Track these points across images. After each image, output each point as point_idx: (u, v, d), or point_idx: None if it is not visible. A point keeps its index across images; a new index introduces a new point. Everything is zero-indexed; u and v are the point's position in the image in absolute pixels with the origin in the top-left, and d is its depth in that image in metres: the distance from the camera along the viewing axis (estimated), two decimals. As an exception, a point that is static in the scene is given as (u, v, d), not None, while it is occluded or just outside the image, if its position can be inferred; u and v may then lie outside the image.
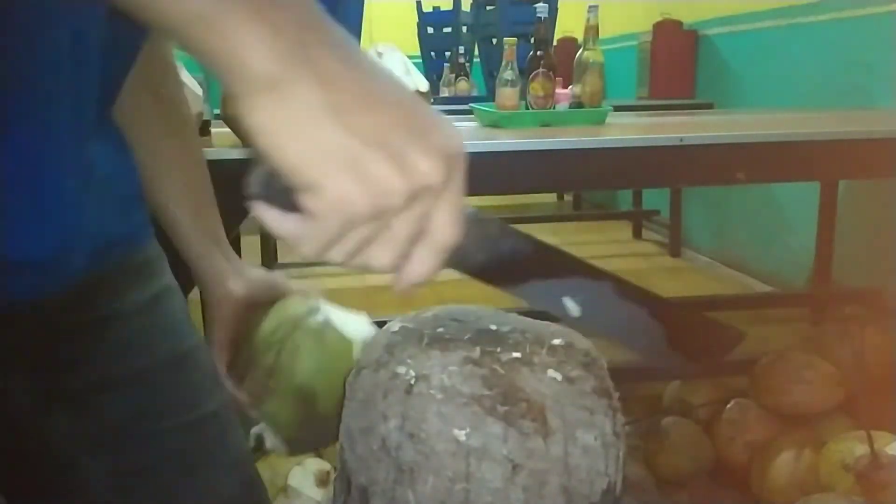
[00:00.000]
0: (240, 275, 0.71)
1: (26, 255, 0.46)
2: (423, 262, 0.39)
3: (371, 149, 0.34)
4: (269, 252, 3.19)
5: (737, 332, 0.49)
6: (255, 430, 0.89)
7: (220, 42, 0.32)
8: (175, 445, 0.64)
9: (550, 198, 5.05)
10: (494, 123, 1.64)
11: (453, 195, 0.38)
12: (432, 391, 0.48)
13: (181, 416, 0.64)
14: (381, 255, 0.38)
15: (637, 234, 4.03)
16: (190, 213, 0.69)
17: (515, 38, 1.73)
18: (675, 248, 3.59)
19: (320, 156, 0.33)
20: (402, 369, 0.50)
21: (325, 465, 1.37)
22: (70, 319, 0.56)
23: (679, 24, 3.35)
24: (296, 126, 0.33)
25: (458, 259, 0.42)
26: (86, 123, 0.49)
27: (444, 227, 0.38)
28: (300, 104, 0.33)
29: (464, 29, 3.75)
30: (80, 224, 0.49)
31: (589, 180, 1.51)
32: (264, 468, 1.36)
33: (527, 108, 1.66)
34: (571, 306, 0.46)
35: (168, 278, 0.65)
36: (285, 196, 0.36)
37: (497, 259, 0.44)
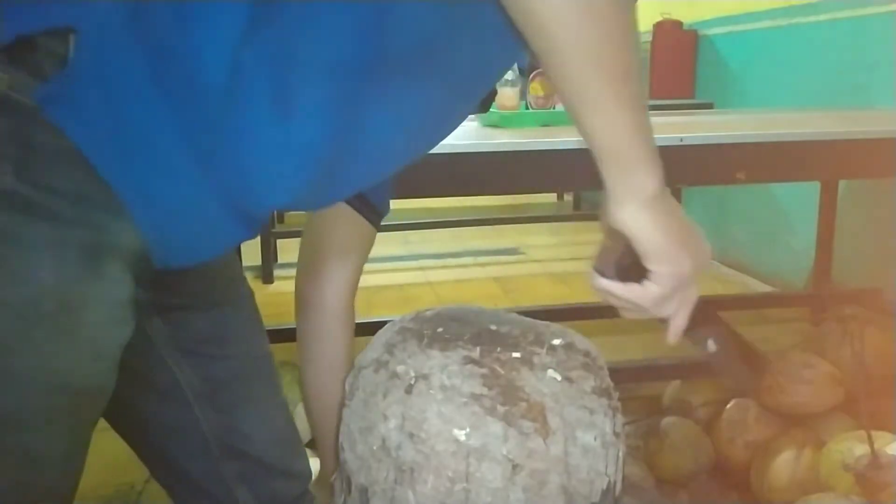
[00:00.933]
0: None
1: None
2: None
3: (694, 238, 0.57)
4: (269, 252, 3.20)
5: (766, 359, 0.76)
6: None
7: (636, 168, 0.54)
8: (243, 370, 0.77)
9: (550, 198, 5.04)
10: (494, 123, 1.64)
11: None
12: (432, 391, 0.48)
13: (248, 347, 0.78)
14: (684, 312, 0.59)
15: (637, 234, 4.02)
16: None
17: (515, 38, 1.73)
18: (675, 248, 3.59)
19: (673, 240, 0.55)
20: (401, 369, 0.50)
21: (325, 465, 1.36)
22: None
23: (679, 24, 3.35)
24: (662, 223, 0.55)
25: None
26: None
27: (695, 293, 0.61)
28: (665, 211, 0.55)
29: (464, 29, 3.74)
30: None
31: (589, 180, 1.50)
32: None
33: (527, 108, 1.66)
34: (710, 344, 0.65)
35: None
36: (624, 272, 0.57)
37: None
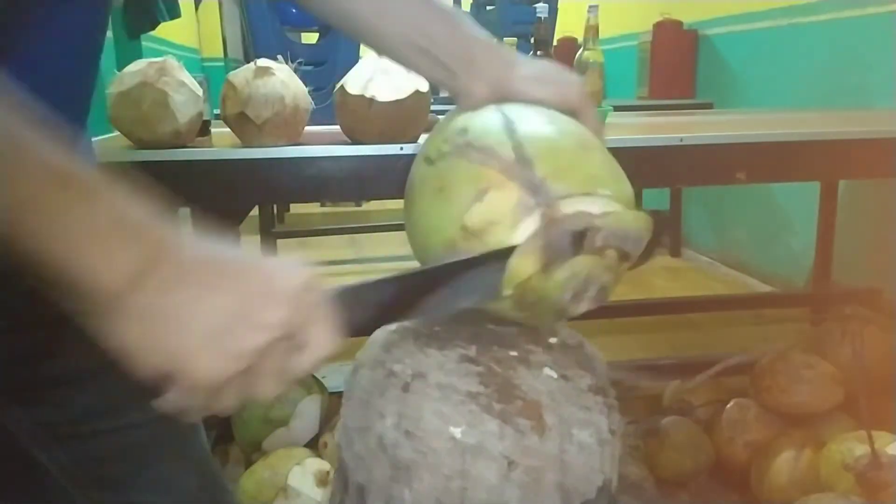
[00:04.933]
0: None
1: None
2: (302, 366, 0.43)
3: (218, 323, 0.39)
4: (269, 252, 3.20)
5: None
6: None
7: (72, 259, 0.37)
8: (135, 439, 0.66)
9: (551, 198, 5.04)
10: (494, 123, 1.64)
11: (320, 317, 0.43)
12: (429, 389, 0.48)
13: (143, 411, 0.64)
14: (265, 389, 0.42)
15: (637, 235, 4.03)
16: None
17: (515, 38, 1.73)
18: (675, 248, 3.59)
19: (175, 346, 0.39)
20: (398, 367, 0.50)
21: (325, 465, 1.37)
22: (32, 314, 0.56)
23: (679, 24, 3.35)
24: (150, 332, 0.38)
25: (355, 328, 0.46)
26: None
27: (320, 342, 0.42)
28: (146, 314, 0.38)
29: (464, 29, 3.74)
30: None
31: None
32: (264, 468, 1.36)
33: (526, 109, 1.66)
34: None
35: None
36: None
37: (380, 307, 0.49)
